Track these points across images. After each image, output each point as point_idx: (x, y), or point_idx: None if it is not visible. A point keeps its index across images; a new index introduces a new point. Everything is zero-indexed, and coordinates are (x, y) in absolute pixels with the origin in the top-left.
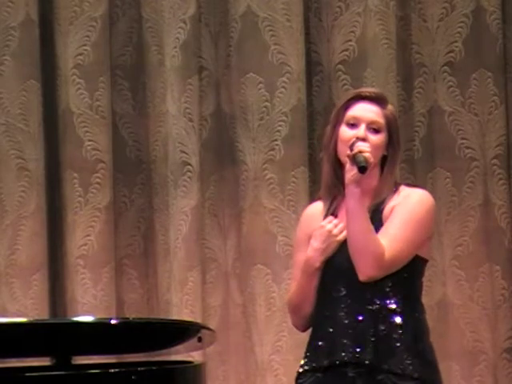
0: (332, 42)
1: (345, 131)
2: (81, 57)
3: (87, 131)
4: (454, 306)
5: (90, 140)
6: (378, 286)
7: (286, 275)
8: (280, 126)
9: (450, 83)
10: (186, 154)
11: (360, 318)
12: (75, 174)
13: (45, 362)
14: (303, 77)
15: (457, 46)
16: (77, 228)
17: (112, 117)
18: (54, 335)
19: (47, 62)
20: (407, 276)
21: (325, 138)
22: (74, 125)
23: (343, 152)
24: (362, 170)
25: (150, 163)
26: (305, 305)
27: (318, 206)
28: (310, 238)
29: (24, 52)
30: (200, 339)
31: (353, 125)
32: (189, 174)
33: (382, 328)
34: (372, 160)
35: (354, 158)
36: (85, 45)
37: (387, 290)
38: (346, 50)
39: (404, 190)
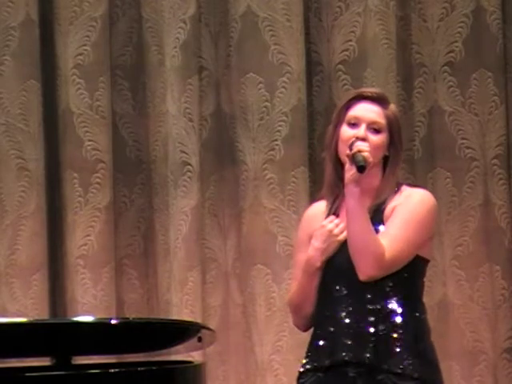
0: (332, 42)
1: (345, 131)
2: (81, 57)
3: (87, 131)
4: (454, 306)
5: (90, 140)
6: (379, 286)
7: (286, 275)
8: (280, 126)
9: (450, 83)
10: (186, 154)
11: (361, 317)
12: (75, 174)
13: (45, 362)
14: (303, 77)
15: (457, 46)
16: (77, 228)
17: (112, 117)
18: (54, 335)
19: (47, 62)
20: (408, 276)
21: (326, 137)
22: (74, 125)
23: (344, 151)
24: (361, 169)
25: (150, 163)
26: (306, 305)
27: (319, 206)
28: (311, 238)
29: (24, 52)
30: (200, 339)
31: (354, 124)
32: (189, 173)
33: (383, 328)
34: (371, 160)
35: (352, 158)
36: (85, 45)
37: (388, 289)
38: (346, 49)
39: (405, 190)
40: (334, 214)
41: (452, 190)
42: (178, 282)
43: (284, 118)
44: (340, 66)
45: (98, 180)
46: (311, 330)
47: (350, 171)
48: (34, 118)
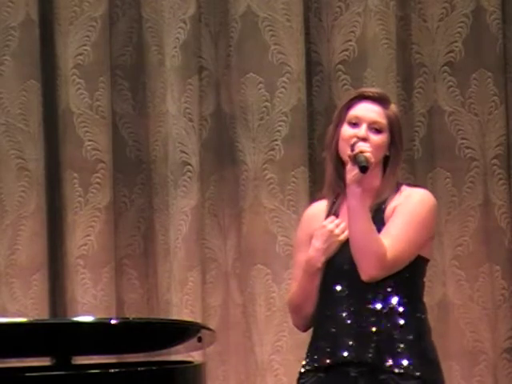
0: (332, 42)
1: (346, 130)
2: (81, 57)
3: (87, 131)
4: (454, 306)
5: (90, 140)
6: (380, 286)
7: (286, 275)
8: (280, 126)
9: (450, 83)
10: (186, 154)
11: (362, 317)
12: (75, 174)
13: (45, 362)
14: (303, 77)
15: (457, 46)
16: (77, 228)
17: (112, 117)
18: (54, 335)
19: (47, 62)
20: (409, 276)
21: (327, 137)
22: (74, 125)
23: (345, 151)
24: (364, 169)
25: (150, 163)
26: (306, 305)
27: (319, 206)
28: (310, 238)
29: (24, 52)
30: (200, 339)
31: (355, 124)
32: (189, 173)
33: (384, 328)
34: (373, 160)
35: (354, 158)
36: (85, 45)
37: (389, 289)
38: (346, 49)
39: (405, 190)
40: (333, 214)
41: (452, 190)
42: (178, 282)
43: (284, 118)
44: (340, 66)
45: (97, 180)
46: (311, 330)
47: (351, 172)
48: (34, 118)
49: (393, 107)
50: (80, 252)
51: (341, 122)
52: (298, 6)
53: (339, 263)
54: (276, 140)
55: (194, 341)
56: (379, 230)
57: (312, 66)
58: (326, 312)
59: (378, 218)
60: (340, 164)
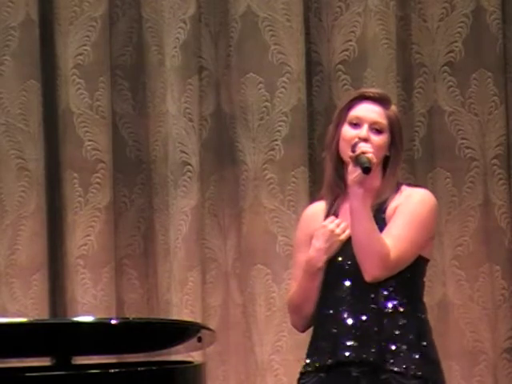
0: (332, 42)
1: (347, 131)
2: (81, 57)
3: (87, 131)
4: (454, 306)
5: (90, 140)
6: (382, 286)
7: (286, 275)
8: (280, 126)
9: (450, 83)
10: (186, 154)
11: (363, 317)
12: (75, 174)
13: (45, 362)
14: (303, 77)
15: (457, 46)
16: (77, 228)
17: (112, 117)
18: (54, 335)
19: (47, 62)
20: (410, 276)
21: (327, 137)
22: (74, 125)
23: (345, 151)
24: (366, 170)
25: (150, 163)
26: (306, 305)
27: (318, 206)
28: (310, 238)
29: (24, 52)
30: (200, 339)
31: (355, 124)
32: (189, 173)
33: (385, 328)
34: (375, 160)
35: (356, 160)
36: (85, 45)
37: (390, 289)
38: (346, 49)
39: (406, 190)
40: (333, 214)
41: (452, 190)
42: (178, 282)
43: (284, 118)
44: (340, 66)
45: (97, 180)
46: (311, 330)
47: (353, 173)
48: (34, 118)
49: (393, 108)
50: (80, 252)
51: (341, 123)
52: (297, 6)
53: (340, 263)
54: (276, 140)
55: (193, 341)
56: (380, 230)
57: (312, 66)
58: (327, 312)
59: (379, 218)
60: (340, 164)
